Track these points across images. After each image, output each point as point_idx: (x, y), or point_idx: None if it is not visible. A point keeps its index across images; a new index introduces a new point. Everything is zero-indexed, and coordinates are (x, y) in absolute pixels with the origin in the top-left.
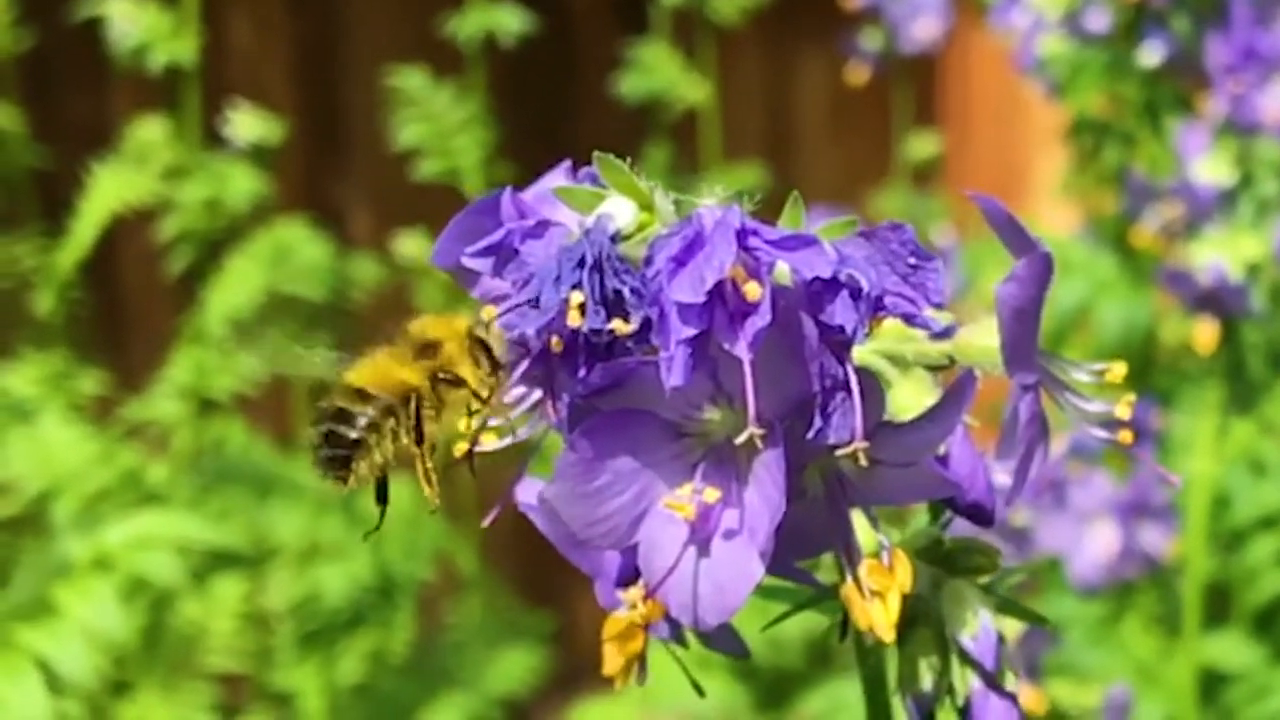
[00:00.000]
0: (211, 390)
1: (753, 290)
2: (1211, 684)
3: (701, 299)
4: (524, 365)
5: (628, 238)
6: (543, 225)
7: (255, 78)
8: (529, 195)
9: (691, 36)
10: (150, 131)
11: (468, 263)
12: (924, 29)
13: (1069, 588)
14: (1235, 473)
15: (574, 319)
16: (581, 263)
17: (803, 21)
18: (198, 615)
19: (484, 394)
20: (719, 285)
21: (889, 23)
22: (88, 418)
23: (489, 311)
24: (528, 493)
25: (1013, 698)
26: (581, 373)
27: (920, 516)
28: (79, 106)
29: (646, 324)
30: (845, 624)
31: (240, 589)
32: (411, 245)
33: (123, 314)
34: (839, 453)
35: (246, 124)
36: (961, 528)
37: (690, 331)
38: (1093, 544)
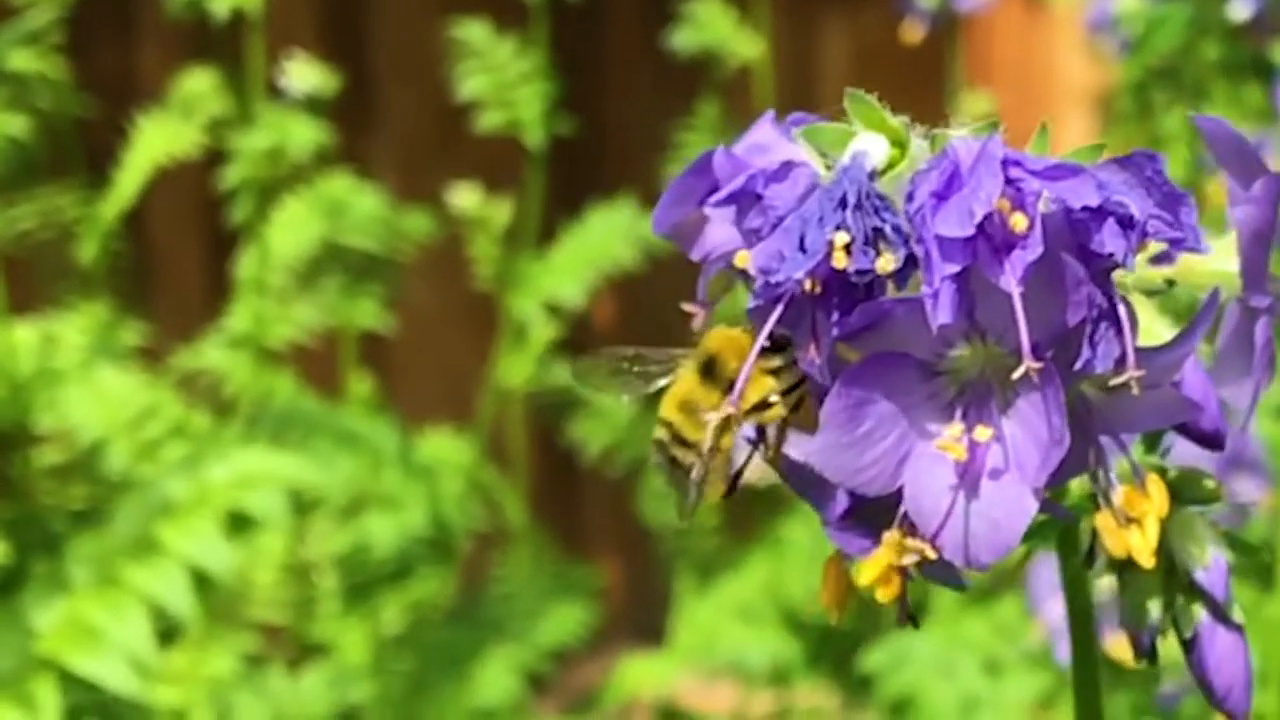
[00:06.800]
0: (270, 339)
1: (1019, 221)
2: None
3: (970, 233)
4: (778, 312)
5: (880, 175)
6: (786, 167)
7: (284, 31)
8: (740, 150)
9: None
10: (198, 83)
11: (710, 212)
12: None
13: None
14: None
15: (839, 260)
16: (844, 203)
17: None
18: (241, 565)
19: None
20: (983, 218)
21: None
22: (134, 367)
23: (742, 258)
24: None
25: (1240, 629)
26: (836, 316)
27: None
28: (105, 58)
29: (907, 262)
30: (1091, 552)
31: (284, 540)
32: (464, 197)
33: (149, 266)
34: (1112, 382)
35: (302, 74)
36: None
37: (955, 267)
38: None
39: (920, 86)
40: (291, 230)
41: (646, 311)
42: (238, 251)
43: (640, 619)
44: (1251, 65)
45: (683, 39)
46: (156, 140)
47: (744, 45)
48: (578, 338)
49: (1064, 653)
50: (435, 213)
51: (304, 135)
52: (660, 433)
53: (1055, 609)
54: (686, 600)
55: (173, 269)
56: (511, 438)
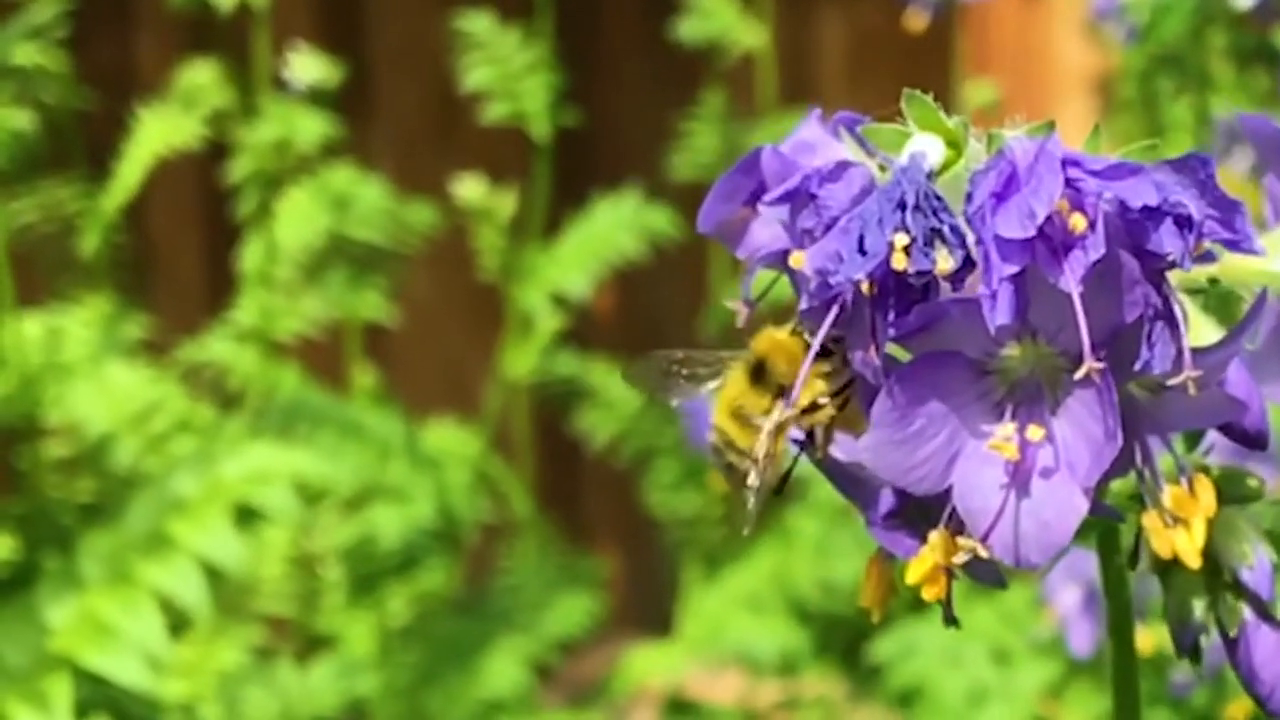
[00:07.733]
0: (276, 332)
1: (1079, 222)
2: None
3: (1031, 233)
4: (834, 314)
5: (937, 175)
6: (841, 167)
7: (282, 22)
8: (786, 149)
9: None
10: (198, 75)
11: (765, 210)
12: None
13: None
14: None
15: (899, 262)
16: (902, 204)
17: None
18: (248, 559)
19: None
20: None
21: None
22: (139, 361)
23: (797, 259)
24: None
25: None
26: (891, 316)
27: None
28: (105, 51)
29: (965, 263)
30: (1136, 552)
31: (289, 533)
32: (468, 188)
33: (149, 259)
34: (1171, 382)
35: (304, 66)
36: None
37: (1014, 268)
38: None
39: (919, 73)
40: (296, 223)
41: (645, 303)
42: (238, 245)
43: (646, 609)
44: (1257, 52)
45: (688, 29)
46: (157, 133)
47: (747, 34)
48: (579, 329)
49: (1075, 642)
50: (435, 204)
51: (310, 127)
52: (714, 439)
53: (1067, 598)
54: (693, 590)
55: (173, 262)
56: (517, 429)
